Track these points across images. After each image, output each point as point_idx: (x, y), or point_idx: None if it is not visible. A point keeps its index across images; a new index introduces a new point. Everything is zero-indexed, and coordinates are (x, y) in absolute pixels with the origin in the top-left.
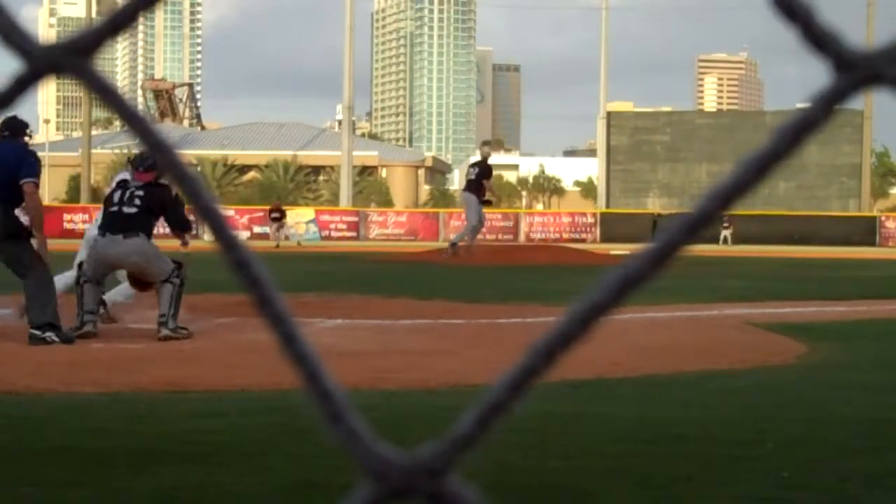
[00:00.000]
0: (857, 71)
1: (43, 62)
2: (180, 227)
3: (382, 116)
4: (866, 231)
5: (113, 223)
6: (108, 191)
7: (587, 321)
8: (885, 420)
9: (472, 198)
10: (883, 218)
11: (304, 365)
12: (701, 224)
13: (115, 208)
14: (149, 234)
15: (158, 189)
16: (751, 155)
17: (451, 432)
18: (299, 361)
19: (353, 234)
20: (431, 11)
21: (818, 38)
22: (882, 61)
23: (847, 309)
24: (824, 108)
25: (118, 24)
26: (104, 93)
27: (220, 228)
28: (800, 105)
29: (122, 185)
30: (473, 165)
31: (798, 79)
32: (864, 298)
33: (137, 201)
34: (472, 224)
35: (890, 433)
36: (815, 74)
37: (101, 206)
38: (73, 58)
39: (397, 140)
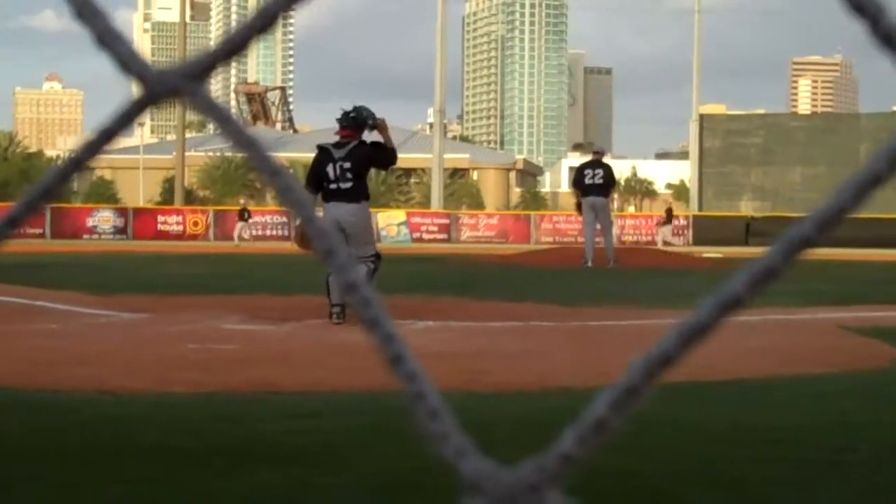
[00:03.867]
0: None
1: (160, 87)
2: (389, 162)
3: (473, 119)
4: None
5: (334, 196)
6: (314, 161)
7: (686, 342)
8: None
9: (606, 202)
10: None
11: (414, 384)
12: (799, 249)
13: (333, 185)
14: (367, 198)
15: (360, 150)
16: (847, 180)
17: (553, 448)
18: (408, 380)
19: (444, 236)
20: (523, 15)
21: (886, 34)
22: None
23: None
24: None
25: (232, 49)
26: (219, 117)
27: (333, 253)
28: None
29: (328, 156)
30: (593, 166)
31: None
32: None
33: (349, 175)
34: (611, 227)
35: None
36: None
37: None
38: (189, 83)
39: (488, 143)
